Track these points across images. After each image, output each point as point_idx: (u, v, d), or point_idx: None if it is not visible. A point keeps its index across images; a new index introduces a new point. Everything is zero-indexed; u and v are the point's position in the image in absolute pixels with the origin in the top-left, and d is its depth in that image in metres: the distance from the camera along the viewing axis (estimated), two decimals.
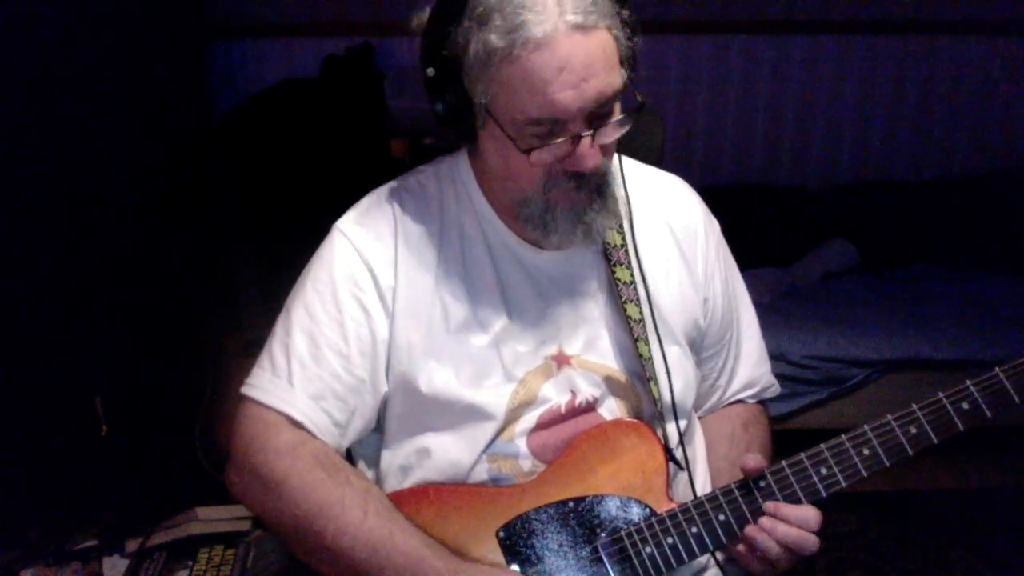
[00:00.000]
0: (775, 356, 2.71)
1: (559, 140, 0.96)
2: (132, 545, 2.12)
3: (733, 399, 1.25)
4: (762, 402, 1.28)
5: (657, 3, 3.21)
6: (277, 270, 1.31)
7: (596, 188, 1.02)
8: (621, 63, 0.98)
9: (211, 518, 2.18)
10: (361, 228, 1.10)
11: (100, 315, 2.37)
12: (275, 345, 1.09)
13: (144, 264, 2.45)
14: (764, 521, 1.00)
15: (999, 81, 3.42)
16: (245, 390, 1.08)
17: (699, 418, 1.23)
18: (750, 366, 1.24)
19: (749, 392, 1.25)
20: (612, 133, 0.99)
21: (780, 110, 3.41)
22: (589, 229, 1.03)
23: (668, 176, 1.23)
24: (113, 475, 2.32)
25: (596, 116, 0.96)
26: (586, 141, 0.96)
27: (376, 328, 1.07)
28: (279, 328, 1.10)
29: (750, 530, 1.01)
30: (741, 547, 1.02)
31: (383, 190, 1.15)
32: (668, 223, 1.17)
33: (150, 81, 2.51)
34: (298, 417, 1.04)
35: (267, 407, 1.05)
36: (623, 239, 1.11)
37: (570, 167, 0.99)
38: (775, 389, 1.27)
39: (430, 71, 0.98)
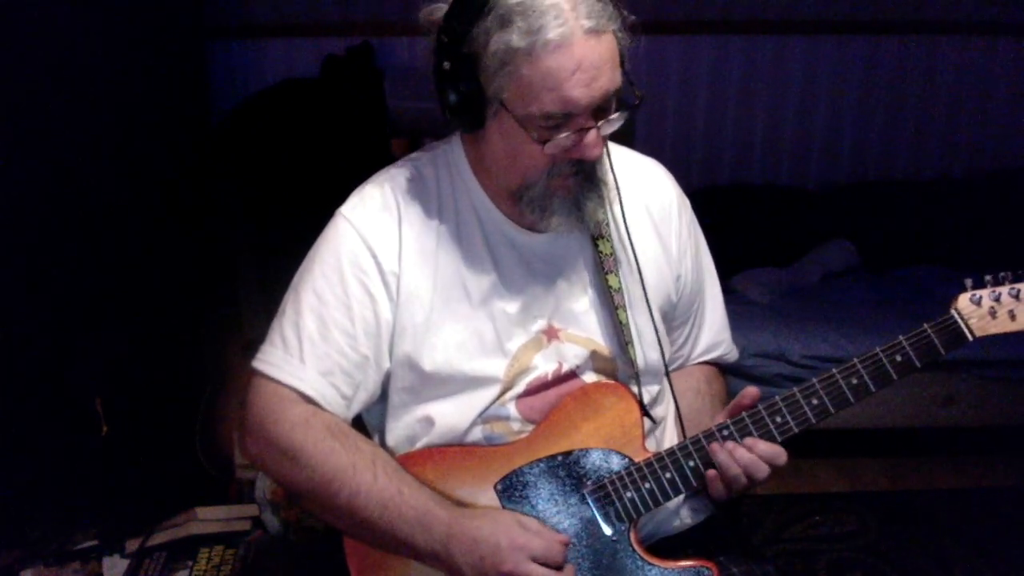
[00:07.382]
0: (775, 356, 2.72)
1: (568, 132, 1.05)
2: (132, 545, 2.11)
3: (696, 361, 1.38)
4: (720, 366, 1.40)
5: (657, 3, 3.21)
6: (277, 270, 1.32)
7: (589, 175, 1.12)
8: (621, 63, 1.07)
9: (211, 518, 2.18)
10: (365, 215, 1.18)
11: (100, 315, 2.37)
12: (285, 324, 1.17)
13: (144, 264, 2.45)
14: (734, 448, 1.12)
15: (999, 81, 3.42)
16: (258, 365, 1.16)
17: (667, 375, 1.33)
18: (713, 333, 1.37)
19: (710, 355, 1.38)
20: (613, 125, 1.09)
21: (780, 110, 3.41)
22: (582, 214, 1.13)
23: (645, 159, 1.33)
24: (113, 475, 2.33)
25: (600, 110, 1.06)
26: (593, 132, 1.06)
27: (380, 311, 1.16)
28: (288, 308, 1.18)
29: (715, 447, 1.13)
30: (711, 472, 1.13)
31: (383, 176, 1.22)
32: (646, 205, 1.27)
33: (150, 81, 2.51)
34: (309, 392, 1.14)
35: (280, 383, 1.14)
36: (605, 213, 1.19)
37: (576, 155, 1.08)
38: (734, 355, 1.40)
39: (446, 64, 1.06)
